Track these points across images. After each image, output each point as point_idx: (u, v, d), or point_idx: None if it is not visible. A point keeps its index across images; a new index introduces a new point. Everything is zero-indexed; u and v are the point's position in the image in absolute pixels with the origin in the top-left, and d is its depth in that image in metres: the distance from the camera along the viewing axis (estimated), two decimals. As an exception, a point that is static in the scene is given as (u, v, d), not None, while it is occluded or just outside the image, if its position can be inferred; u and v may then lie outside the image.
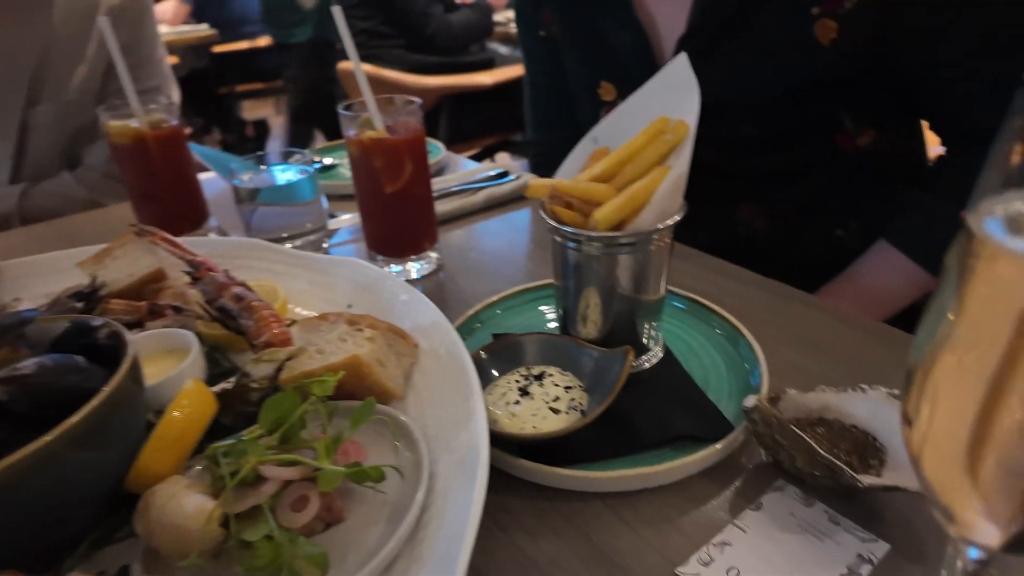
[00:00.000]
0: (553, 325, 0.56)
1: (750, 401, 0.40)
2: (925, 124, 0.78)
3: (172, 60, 3.01)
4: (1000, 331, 0.18)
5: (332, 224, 0.77)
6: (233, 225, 0.78)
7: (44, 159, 1.03)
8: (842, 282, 0.74)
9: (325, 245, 0.74)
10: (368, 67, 2.03)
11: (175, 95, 1.17)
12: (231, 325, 0.48)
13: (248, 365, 0.42)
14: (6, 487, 0.30)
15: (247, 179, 0.67)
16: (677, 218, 0.43)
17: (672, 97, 0.47)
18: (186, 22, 3.20)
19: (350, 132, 0.62)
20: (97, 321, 0.38)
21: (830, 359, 0.51)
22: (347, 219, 0.79)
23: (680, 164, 0.43)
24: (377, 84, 2.03)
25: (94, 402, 0.32)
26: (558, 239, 0.45)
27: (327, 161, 1.01)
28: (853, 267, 0.74)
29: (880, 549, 0.35)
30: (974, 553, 0.22)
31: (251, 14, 3.32)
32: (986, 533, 0.21)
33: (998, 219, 0.18)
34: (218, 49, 3.26)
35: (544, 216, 0.45)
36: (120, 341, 0.36)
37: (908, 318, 0.72)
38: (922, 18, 0.63)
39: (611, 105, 0.84)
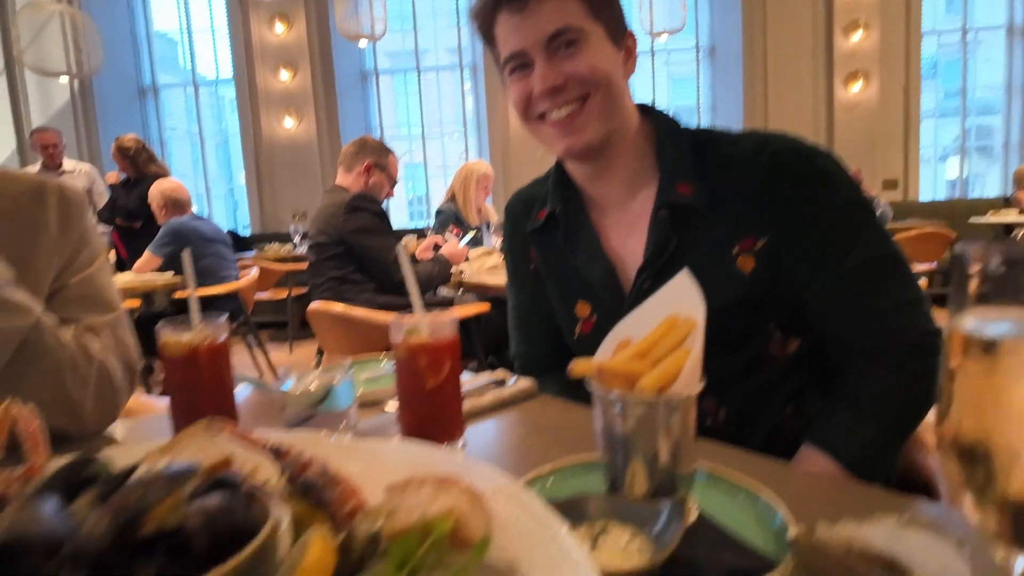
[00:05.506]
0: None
1: (792, 534, 0.47)
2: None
3: (134, 303, 3.12)
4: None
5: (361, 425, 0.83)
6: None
7: None
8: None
9: (353, 444, 0.78)
10: (339, 307, 2.21)
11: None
12: (313, 499, 0.52)
13: (355, 523, 0.46)
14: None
15: (312, 386, 0.74)
16: (701, 386, 0.55)
17: (676, 302, 0.62)
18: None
19: (398, 339, 0.73)
20: (239, 478, 0.42)
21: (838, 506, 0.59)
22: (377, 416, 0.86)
23: (697, 345, 0.56)
24: (347, 323, 2.19)
25: (255, 542, 0.36)
26: (607, 406, 0.55)
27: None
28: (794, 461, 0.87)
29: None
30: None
31: (221, 266, 3.58)
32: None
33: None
34: (179, 295, 3.41)
35: (595, 387, 0.55)
36: (260, 496, 0.41)
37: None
38: (800, 255, 0.87)
39: (586, 320, 1.02)
